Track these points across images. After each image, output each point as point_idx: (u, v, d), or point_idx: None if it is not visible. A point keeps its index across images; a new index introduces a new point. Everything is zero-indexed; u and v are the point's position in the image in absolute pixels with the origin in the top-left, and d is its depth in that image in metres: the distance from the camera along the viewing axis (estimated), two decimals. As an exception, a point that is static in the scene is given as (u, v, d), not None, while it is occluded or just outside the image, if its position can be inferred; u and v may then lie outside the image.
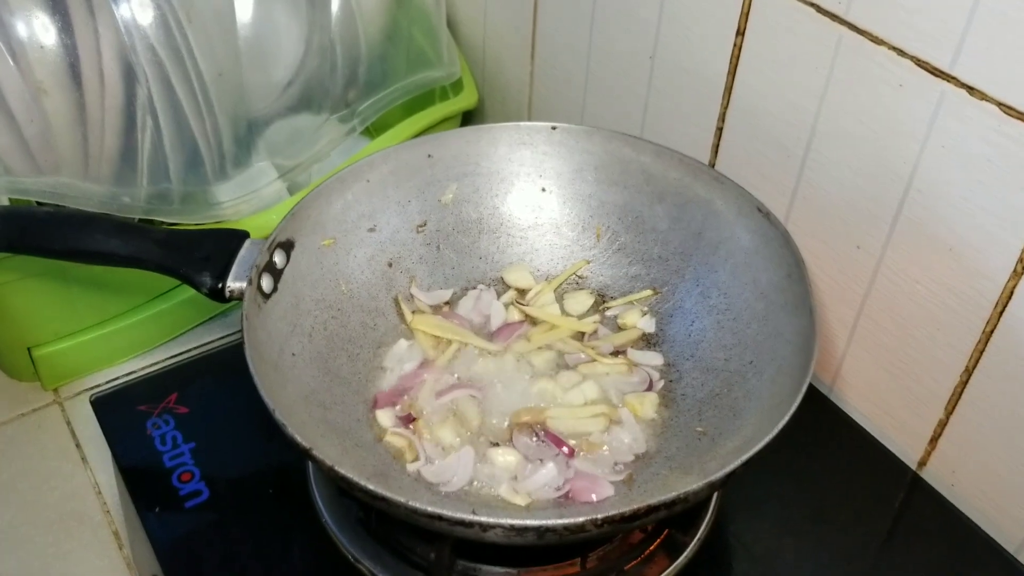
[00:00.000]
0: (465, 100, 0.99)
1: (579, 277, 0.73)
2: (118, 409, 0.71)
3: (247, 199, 0.83)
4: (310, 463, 0.65)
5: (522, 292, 0.72)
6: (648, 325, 0.69)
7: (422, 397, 0.64)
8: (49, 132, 0.74)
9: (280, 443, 0.53)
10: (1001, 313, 0.60)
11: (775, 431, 0.52)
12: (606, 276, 0.72)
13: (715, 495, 0.64)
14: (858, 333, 0.70)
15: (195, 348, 0.93)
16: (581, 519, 0.48)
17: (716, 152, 0.76)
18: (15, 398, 0.90)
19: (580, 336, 0.69)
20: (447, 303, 0.71)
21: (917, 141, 0.60)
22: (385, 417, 0.63)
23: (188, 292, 0.88)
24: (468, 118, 1.03)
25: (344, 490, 0.55)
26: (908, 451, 0.69)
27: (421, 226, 0.72)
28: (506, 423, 0.63)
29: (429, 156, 0.72)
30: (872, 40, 0.60)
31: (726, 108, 0.73)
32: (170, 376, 0.75)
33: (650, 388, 0.65)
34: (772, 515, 0.65)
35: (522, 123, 0.73)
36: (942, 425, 0.66)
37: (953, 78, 0.57)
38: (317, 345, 0.64)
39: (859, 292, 0.68)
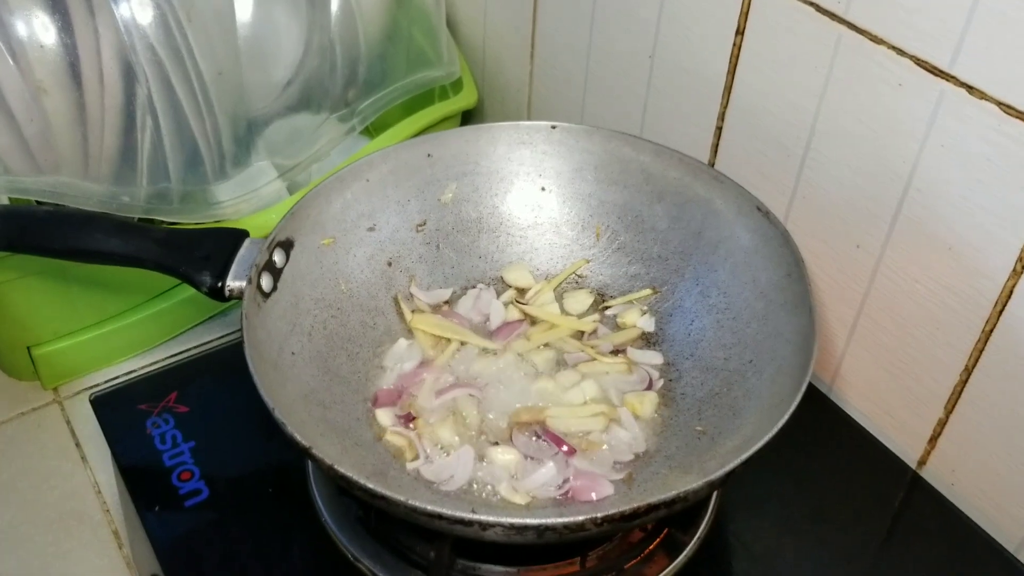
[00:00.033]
0: (465, 99, 0.99)
1: (579, 276, 0.73)
2: (118, 408, 0.71)
3: (247, 198, 0.83)
4: (310, 462, 0.65)
5: (522, 291, 0.72)
6: (648, 324, 0.69)
7: (422, 396, 0.64)
8: (49, 131, 0.74)
9: (280, 442, 0.53)
10: (1001, 312, 0.60)
11: (775, 430, 0.52)
12: (606, 275, 0.72)
13: (715, 494, 0.64)
14: (858, 332, 0.70)
15: (195, 347, 0.93)
16: (581, 518, 0.48)
17: (716, 151, 0.76)
18: (15, 397, 0.90)
19: (580, 335, 0.69)
20: (447, 302, 0.71)
21: (916, 140, 0.60)
22: (385, 416, 0.63)
23: (188, 291, 0.88)
24: (468, 117, 1.03)
25: (344, 489, 0.55)
26: (908, 450, 0.69)
27: (421, 225, 0.72)
28: (506, 422, 0.63)
29: (429, 155, 0.72)
30: (871, 39, 0.60)
31: (726, 107, 0.73)
32: (170, 375, 0.75)
33: (650, 387, 0.65)
34: (772, 514, 0.65)
35: (522, 122, 0.73)
36: (942, 424, 0.66)
37: (952, 77, 0.57)
38: (317, 344, 0.64)
39: (859, 291, 0.68)
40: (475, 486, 0.59)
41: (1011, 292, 0.59)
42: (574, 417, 0.63)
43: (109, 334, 0.89)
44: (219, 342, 0.91)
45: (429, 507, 0.49)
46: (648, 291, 0.71)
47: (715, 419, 0.61)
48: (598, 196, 0.73)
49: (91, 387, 0.90)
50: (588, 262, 0.73)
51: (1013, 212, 0.57)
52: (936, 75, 0.57)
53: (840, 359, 0.72)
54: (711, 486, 0.50)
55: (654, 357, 0.67)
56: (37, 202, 0.76)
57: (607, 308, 0.71)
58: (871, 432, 0.70)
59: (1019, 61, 0.53)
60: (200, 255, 0.62)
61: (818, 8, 0.63)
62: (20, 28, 0.71)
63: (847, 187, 0.66)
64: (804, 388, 0.54)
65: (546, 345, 0.68)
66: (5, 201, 0.74)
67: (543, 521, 0.48)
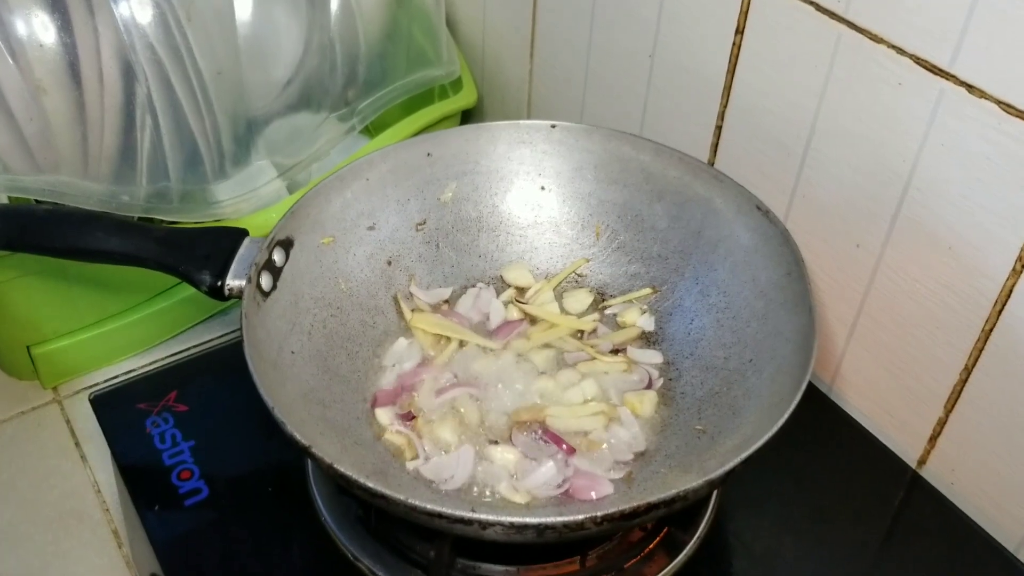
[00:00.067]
0: (464, 99, 0.99)
1: (578, 275, 0.73)
2: (117, 407, 0.71)
3: (246, 198, 0.83)
4: (309, 461, 0.65)
5: (521, 290, 0.72)
6: (647, 323, 0.69)
7: (421, 395, 0.64)
8: (48, 130, 0.74)
9: (279, 441, 0.53)
10: (1000, 312, 0.60)
11: (774, 429, 0.52)
12: (605, 274, 0.72)
13: (715, 493, 0.64)
14: (857, 331, 0.70)
15: (194, 346, 0.93)
16: (581, 517, 0.48)
17: (715, 151, 0.76)
18: (14, 396, 0.90)
19: (579, 334, 0.69)
20: (446, 301, 0.71)
21: (916, 139, 0.60)
22: (384, 415, 0.63)
23: (187, 290, 0.88)
24: (467, 117, 1.03)
25: (343, 488, 0.55)
26: (908, 449, 0.69)
27: (420, 224, 0.72)
28: (505, 421, 0.63)
29: (428, 155, 0.72)
30: (871, 38, 0.60)
31: (725, 107, 0.73)
32: (169, 374, 0.75)
33: (649, 386, 0.65)
34: (772, 513, 0.65)
35: (521, 122, 0.73)
36: (941, 423, 0.66)
37: (952, 76, 0.57)
38: (316, 343, 0.64)
39: (858, 290, 0.68)
40: (475, 485, 0.59)
41: (1011, 291, 0.59)
42: (574, 416, 0.63)
43: (109, 333, 0.89)
44: (219, 341, 0.91)
45: (429, 506, 0.49)
46: (648, 290, 0.71)
47: (715, 418, 0.61)
48: (598, 195, 0.73)
49: (91, 386, 0.90)
50: (588, 261, 0.73)
51: (1013, 211, 0.57)
52: (936, 74, 0.57)
53: (840, 358, 0.72)
54: (711, 485, 0.50)
55: (654, 356, 0.67)
56: (37, 201, 0.76)
57: (607, 307, 0.71)
58: (871, 431, 0.70)
59: (1019, 60, 0.53)
60: (200, 254, 0.62)
61: (818, 7, 0.63)
62: (20, 27, 0.71)
63: (847, 186, 0.66)
64: (804, 387, 0.54)
65: (546, 344, 0.68)
66: (5, 200, 0.74)
67: (543, 520, 0.48)
